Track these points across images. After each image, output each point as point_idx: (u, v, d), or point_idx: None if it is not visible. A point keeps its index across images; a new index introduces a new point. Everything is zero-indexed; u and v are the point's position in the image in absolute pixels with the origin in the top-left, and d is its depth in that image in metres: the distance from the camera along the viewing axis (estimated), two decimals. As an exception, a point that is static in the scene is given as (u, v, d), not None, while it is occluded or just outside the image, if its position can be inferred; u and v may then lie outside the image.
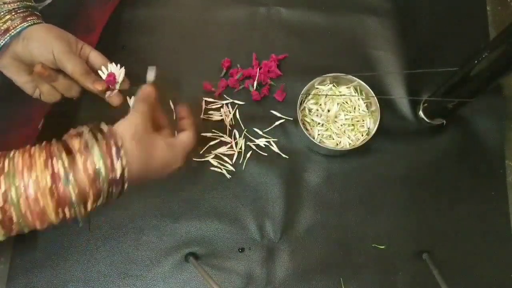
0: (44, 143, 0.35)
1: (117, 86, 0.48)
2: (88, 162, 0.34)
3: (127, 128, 0.38)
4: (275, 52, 0.67)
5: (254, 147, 0.62)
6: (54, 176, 0.33)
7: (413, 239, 0.58)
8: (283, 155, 0.62)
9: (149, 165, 0.39)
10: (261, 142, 0.62)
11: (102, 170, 0.34)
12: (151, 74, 0.46)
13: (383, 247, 0.58)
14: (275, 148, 0.62)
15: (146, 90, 0.44)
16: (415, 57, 0.68)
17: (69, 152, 0.34)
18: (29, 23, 0.45)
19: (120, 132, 0.37)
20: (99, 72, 0.47)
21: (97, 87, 0.46)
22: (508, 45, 0.45)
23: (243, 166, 0.61)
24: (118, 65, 0.48)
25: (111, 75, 0.47)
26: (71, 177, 0.33)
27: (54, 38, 0.44)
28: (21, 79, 0.48)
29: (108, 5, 0.67)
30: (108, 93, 0.48)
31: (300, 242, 0.58)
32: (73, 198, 0.33)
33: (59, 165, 0.33)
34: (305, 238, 0.58)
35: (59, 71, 0.46)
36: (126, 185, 0.37)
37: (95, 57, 0.48)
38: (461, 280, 0.56)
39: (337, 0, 0.71)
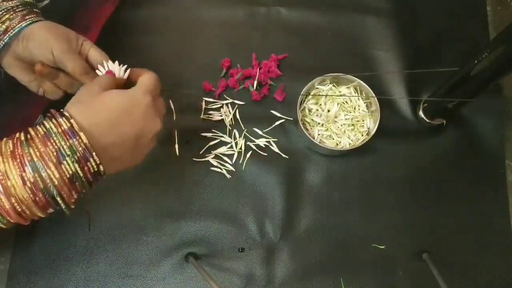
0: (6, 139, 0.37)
1: None
2: (39, 129, 0.36)
3: (71, 100, 0.40)
4: (275, 52, 0.67)
5: (254, 147, 0.62)
6: (21, 163, 0.34)
7: (413, 239, 0.58)
8: (283, 155, 0.62)
9: (101, 112, 0.38)
10: (261, 142, 0.62)
11: (52, 127, 0.36)
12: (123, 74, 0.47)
13: (383, 247, 0.58)
14: (275, 148, 0.62)
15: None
16: (415, 57, 0.68)
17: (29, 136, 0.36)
18: (28, 22, 0.45)
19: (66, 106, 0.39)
20: (98, 68, 0.47)
21: None
22: (508, 45, 0.45)
23: (243, 166, 0.61)
24: (116, 63, 0.47)
25: (110, 73, 0.46)
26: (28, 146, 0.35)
27: (54, 37, 0.44)
28: (25, 78, 0.48)
29: (106, 4, 0.67)
30: None
31: (300, 242, 0.58)
32: (35, 159, 0.34)
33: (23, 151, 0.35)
34: (305, 238, 0.58)
35: (60, 68, 0.46)
36: (83, 135, 0.36)
37: (94, 53, 0.48)
38: (461, 280, 0.56)
39: (337, 0, 0.71)
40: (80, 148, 0.36)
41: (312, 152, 0.62)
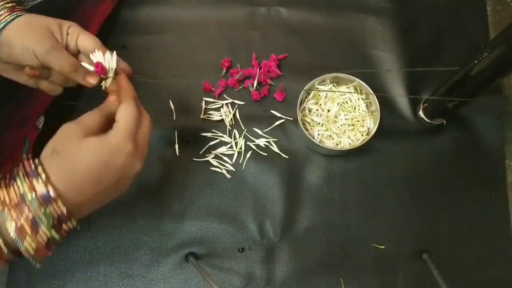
0: None
1: (110, 74, 0.44)
2: (12, 192, 0.33)
3: (47, 146, 0.36)
4: (275, 52, 0.67)
5: (254, 147, 0.62)
6: None
7: (413, 239, 0.58)
8: (283, 155, 0.62)
9: (76, 170, 0.35)
10: (261, 142, 0.62)
11: (27, 192, 0.33)
12: (113, 62, 0.43)
13: (383, 247, 0.58)
14: (275, 148, 0.62)
15: (108, 102, 0.41)
16: (415, 57, 0.67)
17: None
18: (3, 24, 0.41)
19: (41, 155, 0.36)
20: (91, 56, 0.44)
21: (90, 81, 0.44)
22: (508, 45, 0.45)
23: (243, 166, 0.61)
24: (107, 53, 0.44)
25: (98, 65, 0.43)
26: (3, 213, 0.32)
27: (34, 38, 0.41)
28: (20, 78, 0.47)
29: (104, 3, 0.66)
30: (103, 83, 0.44)
31: (300, 242, 0.58)
32: (12, 234, 0.32)
33: None
34: (305, 238, 0.58)
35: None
36: (60, 203, 0.33)
37: (84, 40, 0.44)
38: (461, 280, 0.56)
39: (337, 0, 0.71)
40: (56, 215, 0.33)
41: (312, 152, 0.62)
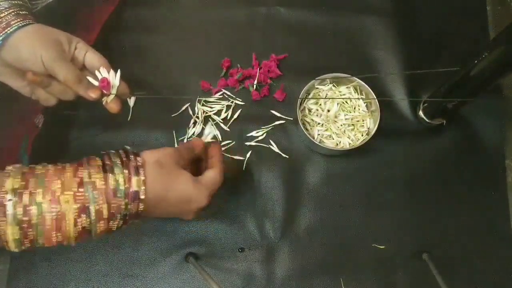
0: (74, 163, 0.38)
1: (113, 91, 0.46)
2: (110, 176, 0.37)
3: (154, 154, 0.41)
4: (275, 52, 0.67)
5: (254, 147, 0.62)
6: (80, 184, 0.35)
7: (413, 239, 0.58)
8: (283, 155, 0.62)
9: (169, 192, 0.40)
10: (261, 142, 0.62)
11: (121, 182, 0.36)
12: (208, 134, 0.50)
13: (383, 247, 0.58)
14: (275, 148, 0.62)
15: (196, 142, 0.47)
16: (415, 57, 0.67)
17: (96, 166, 0.37)
18: (14, 28, 0.42)
19: (144, 155, 0.40)
20: (96, 73, 0.46)
21: (91, 95, 0.45)
22: (508, 45, 0.45)
23: (243, 166, 0.61)
24: (111, 72, 0.46)
25: (104, 81, 0.45)
26: (90, 188, 0.35)
27: (42, 45, 0.42)
28: (16, 84, 0.47)
29: (107, 4, 0.67)
30: (104, 99, 0.46)
31: (300, 242, 0.58)
32: (91, 207, 0.35)
33: (85, 175, 0.36)
34: (305, 238, 0.58)
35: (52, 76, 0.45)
36: (141, 205, 0.38)
37: (92, 57, 0.46)
38: (461, 280, 0.56)
39: (337, 0, 0.71)
40: (133, 212, 0.38)
41: (312, 152, 0.62)
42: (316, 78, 0.60)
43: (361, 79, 0.60)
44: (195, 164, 0.48)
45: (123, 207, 0.37)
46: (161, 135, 0.62)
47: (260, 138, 0.63)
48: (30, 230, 0.34)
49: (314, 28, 0.70)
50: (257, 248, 0.58)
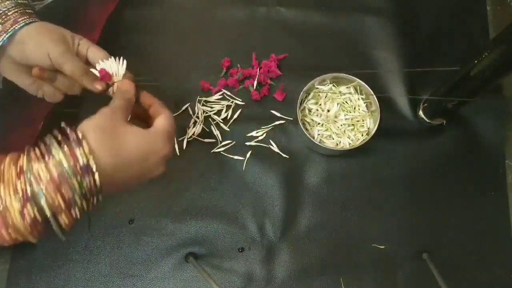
0: (13, 155, 0.34)
1: (115, 80, 0.46)
2: (50, 161, 0.33)
3: (92, 121, 0.37)
4: (275, 52, 0.67)
5: (254, 147, 0.62)
6: (19, 175, 0.32)
7: (413, 239, 0.58)
8: (283, 155, 0.62)
9: (122, 152, 0.37)
10: (261, 142, 0.62)
11: (64, 162, 0.32)
12: (121, 68, 0.46)
13: (383, 247, 0.58)
14: (275, 148, 0.62)
15: (124, 87, 0.44)
16: (415, 57, 0.67)
17: (32, 159, 0.33)
18: (21, 24, 0.43)
19: (82, 126, 0.36)
20: (97, 66, 0.46)
21: (97, 87, 0.45)
22: (508, 45, 0.45)
23: (243, 166, 0.61)
24: (115, 60, 0.46)
25: (102, 71, 0.45)
26: (33, 181, 0.32)
27: (49, 40, 0.43)
28: (23, 82, 0.48)
29: (108, 5, 0.67)
30: (110, 90, 0.46)
31: (300, 242, 0.58)
32: (42, 202, 0.32)
33: (25, 164, 0.33)
34: (305, 238, 0.58)
35: (58, 70, 0.46)
36: (97, 178, 0.34)
37: (94, 52, 0.47)
38: (461, 280, 0.56)
39: (337, 0, 0.71)
40: (90, 188, 0.34)
41: (312, 152, 0.62)
42: (316, 78, 0.60)
43: (361, 78, 0.60)
44: (145, 123, 0.45)
45: (77, 186, 0.33)
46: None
47: (260, 138, 0.63)
48: None
49: (314, 28, 0.70)
50: (257, 248, 0.58)
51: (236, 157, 0.62)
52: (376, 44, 0.68)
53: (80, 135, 0.34)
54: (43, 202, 0.32)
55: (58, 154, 0.33)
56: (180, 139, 0.62)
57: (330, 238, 0.58)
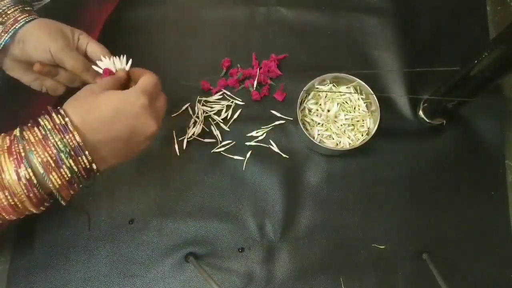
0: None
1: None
2: (37, 128, 0.36)
3: (71, 100, 0.39)
4: (275, 52, 0.67)
5: (254, 147, 0.62)
6: (12, 140, 0.36)
7: (413, 239, 0.58)
8: (283, 155, 0.62)
9: (94, 109, 0.38)
10: (261, 142, 0.62)
11: (48, 126, 0.36)
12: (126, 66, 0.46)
13: (383, 247, 0.58)
14: (275, 148, 0.62)
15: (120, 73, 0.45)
16: (415, 57, 0.68)
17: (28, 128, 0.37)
18: (22, 23, 0.44)
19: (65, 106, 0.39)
20: (98, 63, 0.46)
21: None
22: (508, 45, 0.45)
23: (243, 166, 0.61)
24: (116, 57, 0.46)
25: (106, 72, 0.46)
26: (25, 143, 0.35)
27: (49, 36, 0.44)
28: (26, 79, 0.49)
29: (107, 5, 0.67)
30: None
31: (300, 242, 0.58)
32: (34, 160, 0.35)
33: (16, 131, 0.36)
34: (305, 238, 0.58)
35: (59, 66, 0.46)
36: (76, 135, 0.36)
37: (93, 47, 0.47)
38: (461, 280, 0.56)
39: (337, 0, 0.71)
40: (73, 145, 0.36)
41: (312, 152, 0.62)
42: (316, 78, 0.60)
43: (361, 78, 0.60)
44: None
45: (60, 144, 0.35)
46: (160, 135, 0.62)
47: (260, 138, 0.63)
48: None
49: (314, 28, 0.70)
50: (257, 248, 0.58)
51: (236, 157, 0.62)
52: (376, 44, 0.68)
53: (58, 108, 0.38)
54: (34, 160, 0.35)
55: (43, 120, 0.36)
56: (180, 139, 0.62)
57: (330, 238, 0.58)
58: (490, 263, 0.57)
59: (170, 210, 0.59)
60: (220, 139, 0.62)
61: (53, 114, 0.37)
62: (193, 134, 0.62)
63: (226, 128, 0.63)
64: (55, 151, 0.35)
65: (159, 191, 0.60)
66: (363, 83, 0.60)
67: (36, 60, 0.45)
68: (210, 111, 0.64)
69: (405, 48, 0.68)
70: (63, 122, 0.36)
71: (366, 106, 0.62)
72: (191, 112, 0.64)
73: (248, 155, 0.62)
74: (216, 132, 0.63)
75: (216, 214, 0.59)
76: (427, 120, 0.62)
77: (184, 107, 0.64)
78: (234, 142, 0.62)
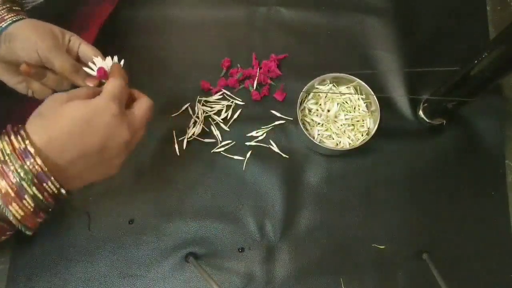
0: None
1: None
2: None
3: (31, 115, 0.36)
4: (275, 52, 0.67)
5: (254, 147, 0.62)
6: None
7: (413, 239, 0.58)
8: (283, 155, 0.62)
9: (55, 125, 0.34)
10: (261, 142, 0.62)
11: (6, 149, 0.32)
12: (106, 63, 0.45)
13: (383, 247, 0.58)
14: (275, 148, 0.62)
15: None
16: (415, 57, 0.67)
17: None
18: (8, 22, 0.42)
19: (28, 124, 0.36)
20: (89, 64, 0.45)
21: (89, 84, 0.44)
22: (508, 45, 0.45)
23: (243, 166, 0.61)
24: (108, 58, 0.45)
25: (101, 70, 0.44)
26: None
27: (37, 35, 0.42)
28: (11, 81, 0.47)
29: (104, 4, 0.66)
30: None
31: (300, 242, 0.58)
32: None
33: None
34: (305, 238, 0.58)
35: (47, 67, 0.45)
36: (38, 159, 0.33)
37: (85, 49, 0.46)
38: (461, 280, 0.56)
39: (337, 0, 0.71)
40: (35, 171, 0.32)
41: (312, 152, 0.62)
42: (316, 78, 0.60)
43: (361, 78, 0.60)
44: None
45: (20, 170, 0.32)
46: (161, 135, 0.62)
47: (260, 138, 0.63)
48: None
49: (314, 28, 0.70)
50: (257, 248, 0.58)
51: (236, 157, 0.62)
52: (376, 44, 0.68)
53: (18, 126, 0.34)
54: None
55: (2, 143, 0.33)
56: (180, 139, 0.62)
57: (330, 238, 0.58)
58: (490, 263, 0.57)
59: (170, 210, 0.59)
60: (220, 139, 0.63)
61: (12, 136, 0.33)
62: (193, 134, 0.62)
63: (226, 128, 0.63)
64: (14, 180, 0.32)
65: (159, 191, 0.60)
66: (363, 83, 0.60)
67: (23, 59, 0.43)
68: (210, 111, 0.64)
69: (405, 48, 0.68)
70: (23, 146, 0.32)
71: (366, 106, 0.62)
72: (191, 112, 0.64)
73: (248, 155, 0.62)
74: (216, 132, 0.63)
75: (216, 214, 0.59)
76: (427, 120, 0.62)
77: (184, 107, 0.64)
78: (234, 142, 0.62)
